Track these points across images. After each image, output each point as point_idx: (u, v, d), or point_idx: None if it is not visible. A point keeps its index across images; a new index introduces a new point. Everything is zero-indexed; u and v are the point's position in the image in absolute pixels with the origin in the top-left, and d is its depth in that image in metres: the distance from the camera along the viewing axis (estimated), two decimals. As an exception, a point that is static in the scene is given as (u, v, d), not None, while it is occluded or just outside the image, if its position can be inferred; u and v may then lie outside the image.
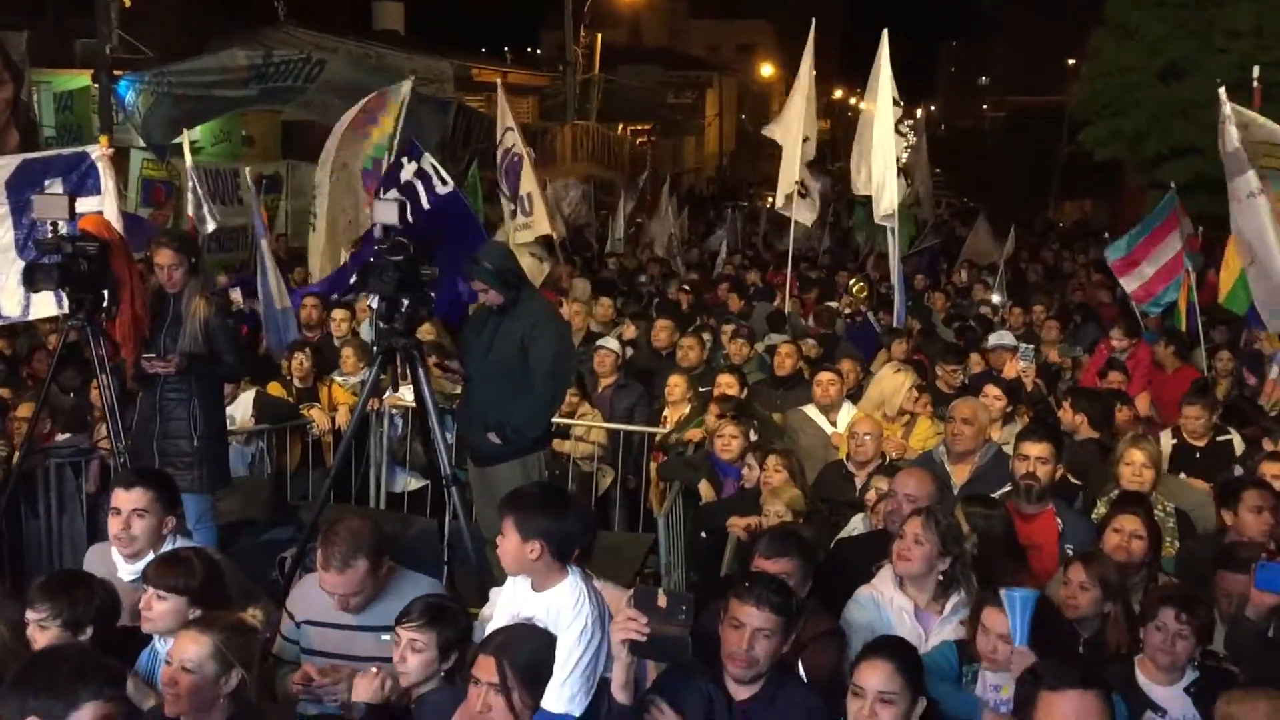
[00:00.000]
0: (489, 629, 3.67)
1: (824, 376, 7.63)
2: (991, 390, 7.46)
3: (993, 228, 18.97)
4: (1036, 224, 29.86)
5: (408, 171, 8.98)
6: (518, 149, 11.90)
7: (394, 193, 8.60)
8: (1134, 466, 5.94)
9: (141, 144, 14.29)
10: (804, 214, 12.36)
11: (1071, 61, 31.77)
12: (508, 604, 3.72)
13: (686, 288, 13.94)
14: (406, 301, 5.61)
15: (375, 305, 5.80)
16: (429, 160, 8.96)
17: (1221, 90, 7.62)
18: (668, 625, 3.31)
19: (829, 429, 7.35)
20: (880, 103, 10.81)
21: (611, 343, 9.01)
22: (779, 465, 6.23)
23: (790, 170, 11.76)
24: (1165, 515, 5.75)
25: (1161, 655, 4.13)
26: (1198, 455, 7.29)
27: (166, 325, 6.04)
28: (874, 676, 3.53)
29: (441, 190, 8.84)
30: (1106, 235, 16.18)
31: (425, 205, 8.73)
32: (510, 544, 3.60)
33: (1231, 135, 7.87)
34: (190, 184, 9.44)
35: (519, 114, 23.70)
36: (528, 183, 11.63)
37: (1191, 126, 15.28)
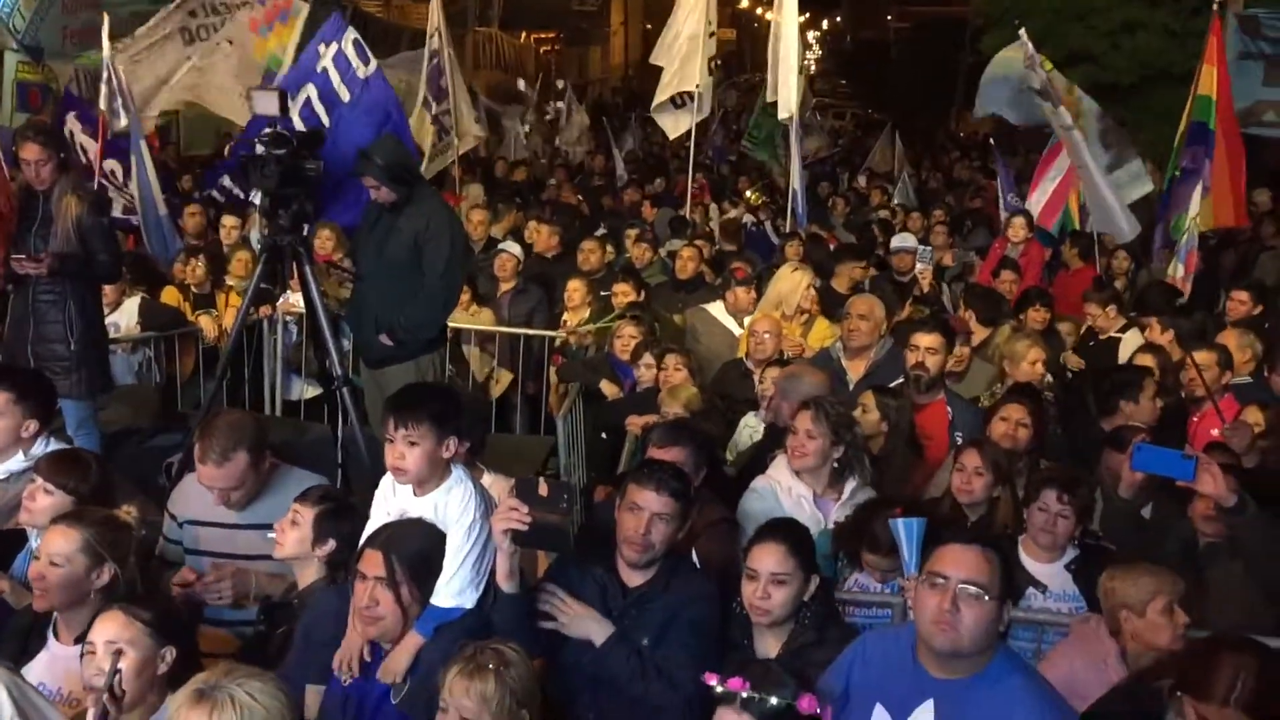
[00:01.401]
0: (370, 527, 3.60)
1: (740, 290, 7.61)
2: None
3: (896, 138, 19.11)
4: (939, 134, 30.16)
5: (325, 58, 8.28)
6: (441, 56, 11.52)
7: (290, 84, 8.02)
8: (1027, 361, 6.10)
9: (15, 46, 13.51)
10: (672, 123, 12.14)
11: (973, -29, 31.81)
12: (387, 502, 3.63)
13: (581, 195, 13.82)
14: (291, 197, 5.41)
15: (258, 201, 5.58)
16: (350, 37, 8.15)
17: (1022, 31, 7.76)
18: (549, 514, 3.29)
19: (737, 330, 7.36)
20: (786, 8, 10.65)
21: (513, 247, 8.88)
22: (679, 364, 6.24)
23: (672, 74, 11.54)
24: (1049, 404, 5.93)
25: (1043, 535, 4.25)
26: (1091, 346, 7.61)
27: (36, 224, 5.73)
28: (767, 558, 3.56)
29: (363, 73, 8.15)
30: (992, 142, 16.39)
31: (345, 98, 8.11)
32: (396, 445, 3.51)
33: (1041, 73, 8.06)
34: (105, 75, 8.90)
35: (417, 19, 23.02)
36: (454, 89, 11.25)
37: (1089, 32, 15.43)
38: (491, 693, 2.90)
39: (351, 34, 8.15)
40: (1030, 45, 8.78)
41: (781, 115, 10.71)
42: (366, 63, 8.07)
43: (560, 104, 20.53)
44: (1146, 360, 6.34)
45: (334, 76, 8.10)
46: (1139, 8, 15.63)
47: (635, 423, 5.97)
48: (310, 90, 7.94)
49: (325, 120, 7.75)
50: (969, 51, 23.43)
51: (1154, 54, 15.29)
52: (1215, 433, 5.46)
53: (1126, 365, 6.49)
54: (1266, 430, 5.11)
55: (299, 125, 7.50)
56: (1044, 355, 6.17)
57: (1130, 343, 7.38)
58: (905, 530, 3.70)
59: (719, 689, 2.70)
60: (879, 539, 4.08)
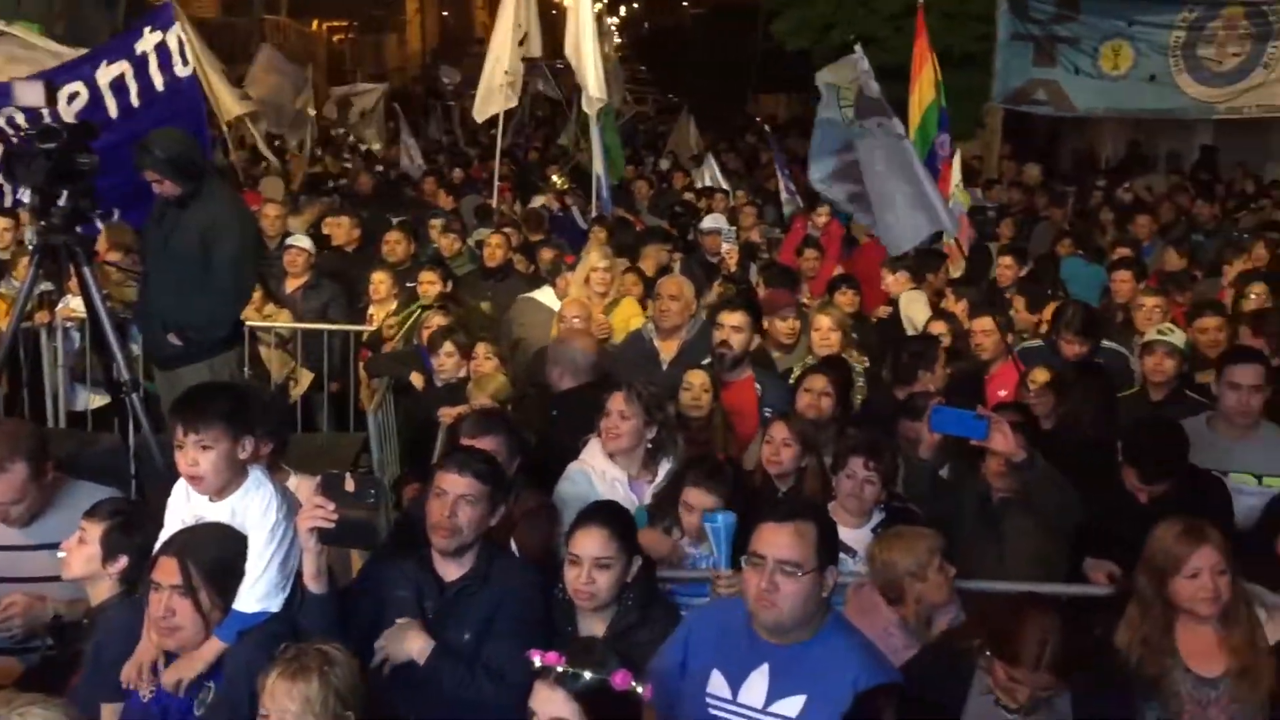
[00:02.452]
0: (164, 535, 3.40)
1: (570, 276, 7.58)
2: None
3: (694, 122, 19.44)
4: (736, 117, 30.81)
5: (147, 41, 7.69)
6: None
7: (77, 84, 7.46)
8: (821, 331, 6.33)
9: None
10: (485, 106, 12.02)
11: (764, -44, 32.55)
12: (182, 509, 3.43)
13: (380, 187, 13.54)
14: (64, 194, 5.05)
15: (27, 199, 5.19)
16: (177, 32, 7.60)
17: (858, 46, 8.02)
18: (357, 509, 3.20)
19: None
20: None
21: (302, 240, 8.52)
22: (488, 354, 6.19)
23: (496, 62, 11.40)
24: (857, 375, 6.18)
25: (852, 500, 4.38)
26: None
27: None
28: (590, 543, 3.55)
29: (181, 72, 7.66)
30: (766, 129, 16.96)
31: (159, 87, 7.59)
32: (187, 451, 3.31)
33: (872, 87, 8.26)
34: None
35: (200, 8, 21.90)
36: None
37: (871, 16, 16.01)
38: (315, 694, 2.81)
39: (178, 29, 7.67)
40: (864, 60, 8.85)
41: (586, 106, 10.69)
42: (186, 63, 7.62)
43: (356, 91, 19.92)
44: (939, 328, 6.66)
45: (152, 62, 7.59)
46: (919, -9, 16.31)
47: (448, 414, 5.85)
48: (125, 68, 7.39)
49: (135, 102, 7.27)
50: (762, 36, 24.02)
51: (933, 36, 15.98)
52: (1003, 393, 5.78)
53: (920, 336, 6.77)
54: (1053, 390, 5.42)
55: (110, 102, 7.04)
56: (834, 325, 6.38)
57: (909, 301, 7.74)
58: (714, 531, 3.75)
59: (537, 663, 2.68)
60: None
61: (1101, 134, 19.55)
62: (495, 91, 11.43)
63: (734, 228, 9.76)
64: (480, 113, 12.04)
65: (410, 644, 3.44)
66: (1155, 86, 11.81)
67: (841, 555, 4.26)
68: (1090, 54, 11.88)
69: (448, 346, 6.32)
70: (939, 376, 5.82)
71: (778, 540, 3.08)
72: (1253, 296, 7.09)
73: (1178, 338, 5.65)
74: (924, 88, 9.16)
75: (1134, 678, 3.39)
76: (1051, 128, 19.51)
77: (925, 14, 9.62)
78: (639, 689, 2.63)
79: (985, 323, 6.27)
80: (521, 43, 11.44)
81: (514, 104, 12.34)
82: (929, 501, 4.49)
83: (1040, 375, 5.67)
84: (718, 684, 3.20)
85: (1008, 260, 8.65)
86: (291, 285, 8.16)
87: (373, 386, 7.18)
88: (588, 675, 2.60)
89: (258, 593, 3.25)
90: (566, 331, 6.18)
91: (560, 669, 2.64)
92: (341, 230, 9.55)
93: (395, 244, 8.71)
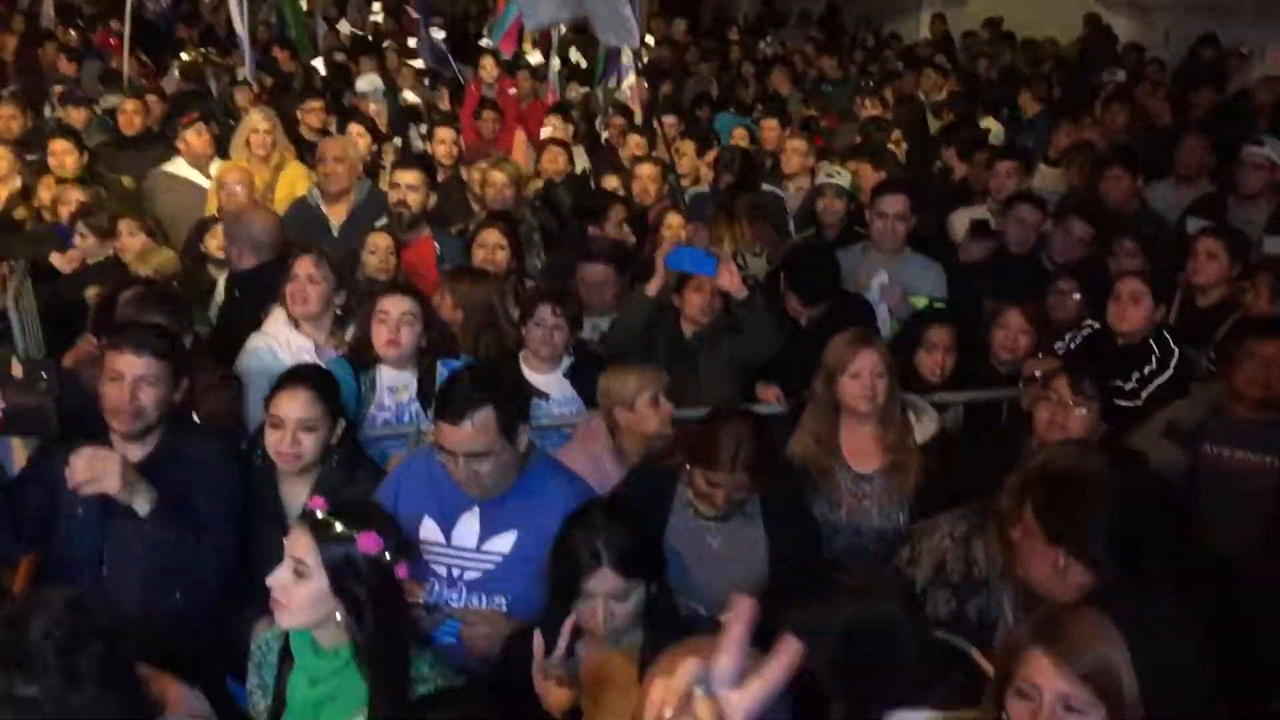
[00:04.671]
0: None
1: (189, 135, 6.96)
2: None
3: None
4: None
5: None
6: None
7: None
8: (495, 188, 6.28)
9: None
10: None
11: None
12: None
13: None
14: None
15: None
16: None
17: None
18: (26, 396, 2.95)
19: (206, 182, 6.81)
20: None
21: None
22: (133, 230, 5.82)
23: None
24: (530, 229, 6.22)
25: (544, 348, 4.47)
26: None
27: None
28: (293, 405, 3.43)
29: None
30: None
31: None
32: None
33: None
34: None
35: None
36: None
37: None
38: None
39: None
40: None
41: None
42: None
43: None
44: (612, 183, 6.90)
45: None
46: None
47: (96, 294, 5.41)
48: None
49: None
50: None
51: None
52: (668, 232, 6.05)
53: (598, 191, 6.95)
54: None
55: None
56: (508, 180, 6.33)
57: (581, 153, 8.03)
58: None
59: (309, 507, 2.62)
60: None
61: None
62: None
63: (380, 88, 9.43)
64: None
65: (136, 495, 3.16)
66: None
67: (536, 400, 4.42)
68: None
69: (81, 226, 5.90)
70: (615, 222, 6.06)
71: (457, 438, 3.06)
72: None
73: (844, 179, 6.04)
74: None
75: (804, 475, 3.72)
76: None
77: None
78: (387, 556, 2.58)
79: (648, 169, 6.54)
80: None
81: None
82: (623, 345, 4.65)
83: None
84: (430, 530, 3.22)
85: (671, 119, 8.81)
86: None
87: (4, 271, 6.48)
88: (339, 527, 2.55)
89: None
90: (242, 207, 5.79)
91: (321, 514, 2.57)
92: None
93: (9, 119, 7.83)
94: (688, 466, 3.42)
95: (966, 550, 2.93)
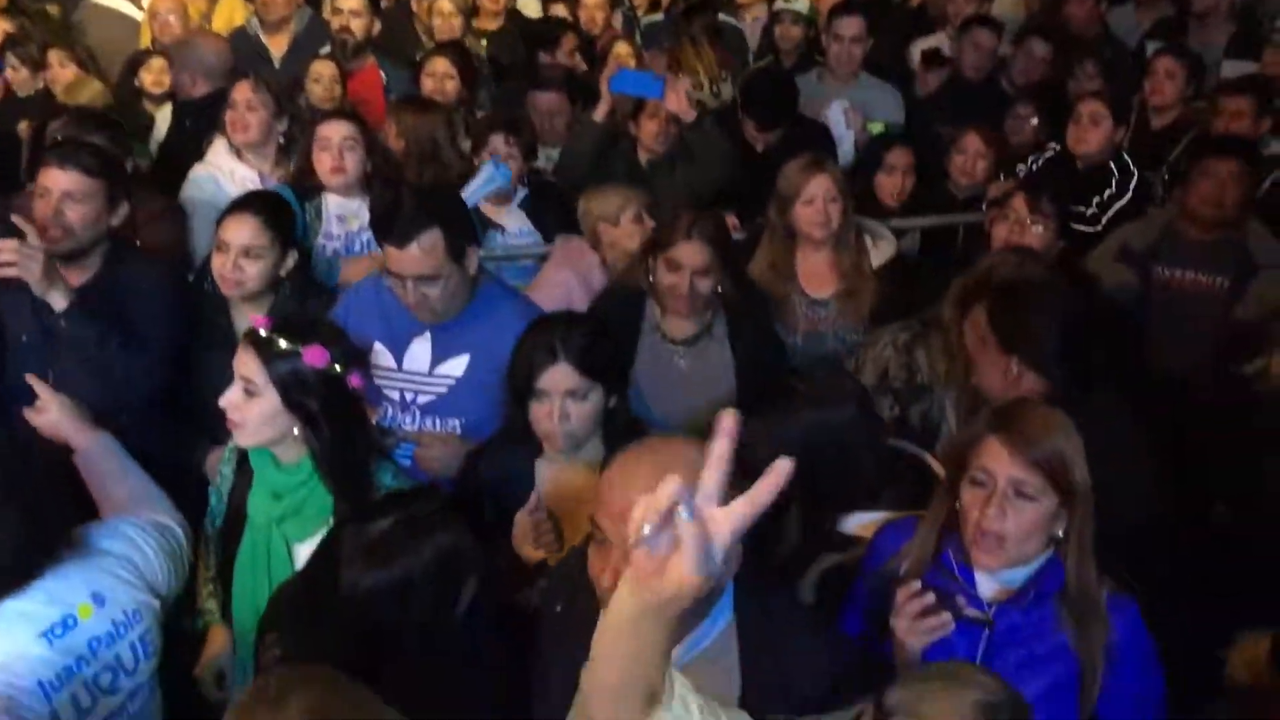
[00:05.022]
0: None
1: None
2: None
3: None
4: None
5: None
6: None
7: None
8: (444, 16, 6.07)
9: None
10: None
11: None
12: None
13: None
14: None
15: None
16: None
17: None
18: None
19: (138, 14, 6.51)
20: None
21: None
22: (63, 60, 5.62)
23: None
24: (481, 64, 6.01)
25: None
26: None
27: None
28: (241, 230, 3.31)
29: None
30: None
31: None
32: None
33: None
34: None
35: None
36: None
37: None
38: None
39: None
40: None
41: None
42: None
43: None
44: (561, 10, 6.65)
45: None
46: None
47: (28, 128, 5.22)
48: None
49: None
50: None
51: None
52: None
53: (548, 19, 6.75)
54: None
55: None
56: (455, 9, 6.13)
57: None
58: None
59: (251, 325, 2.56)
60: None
61: None
62: None
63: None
64: None
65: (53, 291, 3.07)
66: None
67: (491, 231, 4.35)
68: None
69: (13, 59, 5.65)
70: (567, 50, 5.92)
71: (405, 262, 2.96)
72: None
73: (801, 4, 5.86)
74: None
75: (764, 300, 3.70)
76: None
77: None
78: (336, 367, 2.53)
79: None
80: None
81: None
82: (578, 169, 4.57)
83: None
84: (381, 355, 3.17)
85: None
86: None
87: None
88: (283, 344, 2.49)
89: None
90: (178, 37, 5.55)
91: (264, 333, 2.51)
92: None
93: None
94: (650, 279, 3.34)
95: (909, 358, 2.96)
